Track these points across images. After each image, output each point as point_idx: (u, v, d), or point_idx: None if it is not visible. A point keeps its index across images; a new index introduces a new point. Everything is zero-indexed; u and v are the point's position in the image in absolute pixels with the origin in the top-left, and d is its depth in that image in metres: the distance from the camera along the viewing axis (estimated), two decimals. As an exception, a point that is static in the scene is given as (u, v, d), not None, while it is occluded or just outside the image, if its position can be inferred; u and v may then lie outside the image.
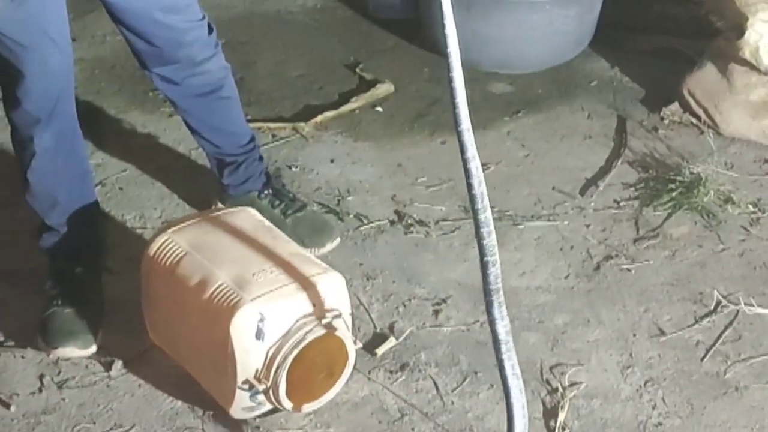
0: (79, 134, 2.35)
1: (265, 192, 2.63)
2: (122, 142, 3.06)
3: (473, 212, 1.68)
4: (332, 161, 3.00)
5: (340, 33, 3.79)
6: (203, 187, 2.81)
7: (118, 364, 2.24)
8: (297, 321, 2.00)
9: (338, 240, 2.61)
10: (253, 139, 2.62)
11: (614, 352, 2.30)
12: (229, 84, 2.50)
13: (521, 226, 2.71)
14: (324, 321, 2.02)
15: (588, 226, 2.72)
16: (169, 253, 2.12)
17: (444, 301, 2.45)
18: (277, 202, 2.62)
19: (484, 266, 1.71)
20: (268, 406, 2.08)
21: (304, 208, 2.64)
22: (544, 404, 2.17)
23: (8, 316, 2.39)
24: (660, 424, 2.14)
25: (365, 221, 2.72)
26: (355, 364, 2.12)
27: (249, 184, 2.62)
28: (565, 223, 2.73)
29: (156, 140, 3.08)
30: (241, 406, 2.05)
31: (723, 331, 2.35)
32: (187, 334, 2.10)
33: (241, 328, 1.96)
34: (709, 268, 2.56)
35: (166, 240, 2.15)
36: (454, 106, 1.67)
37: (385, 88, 3.35)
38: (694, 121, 3.15)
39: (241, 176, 2.61)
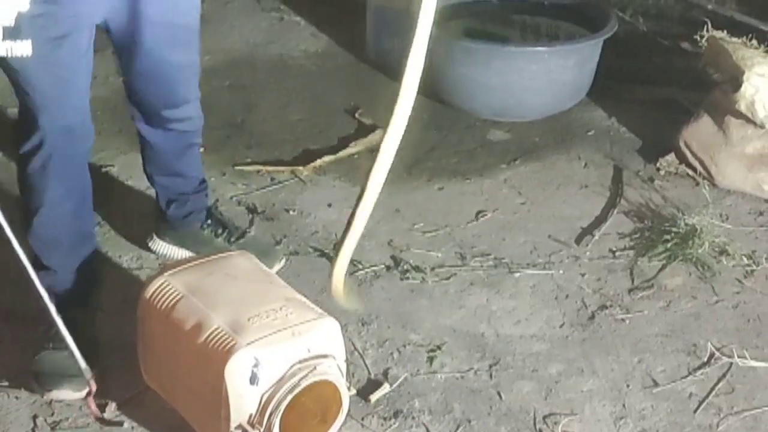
0: (89, 185, 2.40)
1: (207, 222, 2.68)
2: (122, 183, 3.07)
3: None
4: (330, 205, 3.01)
5: (340, 78, 3.83)
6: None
7: (112, 406, 2.23)
8: (291, 366, 2.00)
9: (284, 261, 2.68)
10: (204, 180, 2.69)
11: (607, 403, 2.30)
12: (199, 131, 2.58)
13: (517, 274, 2.72)
14: (318, 367, 2.02)
15: (583, 275, 2.73)
16: (165, 296, 2.12)
17: (438, 347, 2.45)
18: (220, 231, 2.68)
19: None
20: (260, 452, 2.07)
21: (245, 234, 2.71)
22: (536, 454, 2.17)
23: (2, 356, 2.39)
24: (652, 476, 2.15)
25: (361, 266, 2.73)
26: (348, 411, 2.12)
27: (192, 216, 2.67)
28: (561, 271, 2.74)
29: (155, 181, 3.09)
30: (233, 450, 2.04)
31: (716, 384, 2.35)
32: (182, 377, 2.09)
33: (235, 372, 1.96)
34: (703, 319, 2.57)
35: (163, 283, 2.15)
36: None
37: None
38: (690, 172, 3.17)
39: (187, 210, 2.66)
